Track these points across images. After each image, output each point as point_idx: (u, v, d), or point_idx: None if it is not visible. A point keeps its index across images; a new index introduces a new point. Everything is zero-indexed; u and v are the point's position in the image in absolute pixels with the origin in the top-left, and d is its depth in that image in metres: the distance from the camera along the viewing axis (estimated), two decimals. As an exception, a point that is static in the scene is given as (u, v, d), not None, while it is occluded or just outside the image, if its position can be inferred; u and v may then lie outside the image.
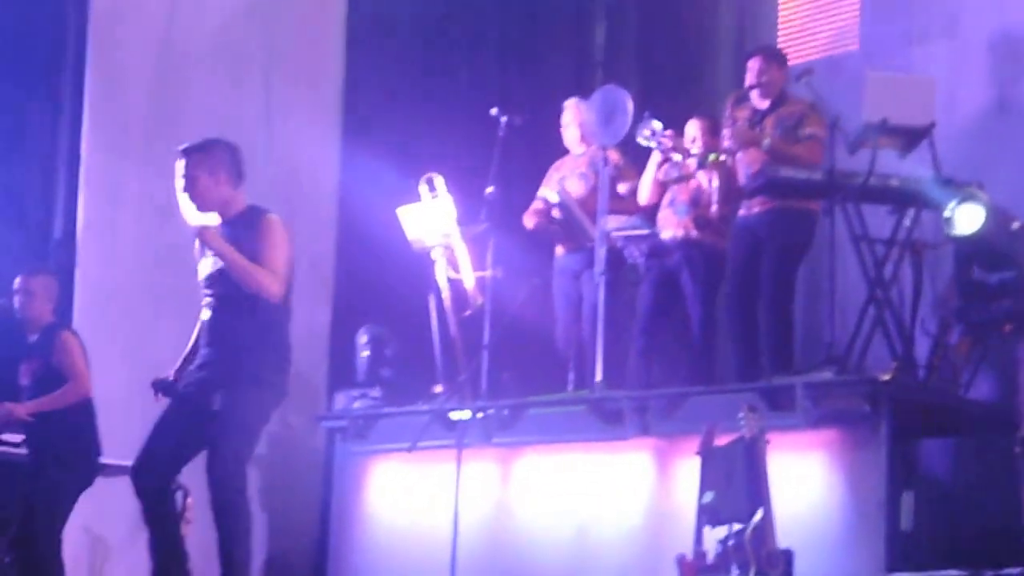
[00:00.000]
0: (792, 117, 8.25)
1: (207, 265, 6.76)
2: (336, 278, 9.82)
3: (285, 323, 6.78)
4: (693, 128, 8.68)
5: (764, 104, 8.39)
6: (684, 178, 8.66)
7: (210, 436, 6.58)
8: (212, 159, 6.73)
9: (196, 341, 6.86)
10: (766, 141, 8.16)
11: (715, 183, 8.29)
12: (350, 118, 9.79)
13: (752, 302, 8.32)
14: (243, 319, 6.64)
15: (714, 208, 8.31)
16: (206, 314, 6.75)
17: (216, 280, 6.69)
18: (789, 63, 8.66)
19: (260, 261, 6.55)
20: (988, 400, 8.02)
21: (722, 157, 8.26)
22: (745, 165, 8.30)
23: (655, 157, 8.66)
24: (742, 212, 8.32)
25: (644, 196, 8.76)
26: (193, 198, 6.74)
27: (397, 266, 9.14)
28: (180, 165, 6.75)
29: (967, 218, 7.65)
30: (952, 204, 7.68)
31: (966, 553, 7.23)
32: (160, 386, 6.82)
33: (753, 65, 8.41)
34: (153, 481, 6.70)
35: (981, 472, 7.36)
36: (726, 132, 8.30)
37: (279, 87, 9.65)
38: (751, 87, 8.39)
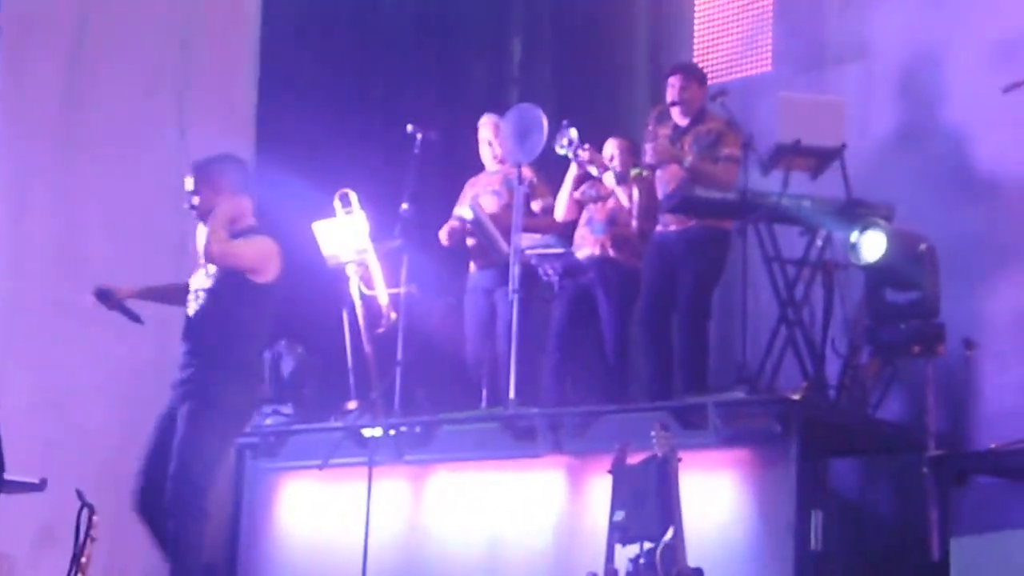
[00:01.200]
0: (710, 135, 8.30)
1: (200, 278, 6.97)
2: (249, 293, 9.71)
3: (255, 345, 6.96)
4: (611, 147, 8.71)
5: (684, 121, 8.43)
6: (601, 197, 8.68)
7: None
8: (216, 175, 6.80)
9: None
10: (687, 159, 8.20)
11: (635, 197, 8.30)
12: (264, 131, 9.70)
13: (666, 320, 8.36)
14: (217, 339, 6.81)
15: (634, 223, 8.33)
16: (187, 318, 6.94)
17: (202, 297, 6.91)
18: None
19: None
20: (897, 420, 8.11)
21: (644, 172, 8.28)
22: (664, 182, 8.34)
23: (572, 172, 8.69)
24: (659, 229, 8.36)
25: (560, 213, 8.78)
26: (199, 214, 6.90)
27: (311, 282, 9.06)
28: (188, 181, 6.94)
29: (870, 246, 7.74)
30: (855, 232, 7.77)
31: (874, 572, 7.30)
32: (101, 295, 6.96)
33: (674, 82, 8.45)
34: (159, 506, 6.76)
35: (889, 491, 7.45)
36: (648, 147, 8.33)
37: (192, 99, 9.55)
38: (672, 104, 8.42)
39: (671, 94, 8.45)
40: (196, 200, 6.93)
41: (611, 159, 8.65)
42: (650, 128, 8.40)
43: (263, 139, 9.73)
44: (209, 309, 6.87)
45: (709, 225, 8.21)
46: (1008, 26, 8.35)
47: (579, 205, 8.78)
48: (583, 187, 8.75)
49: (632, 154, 8.69)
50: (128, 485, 8.81)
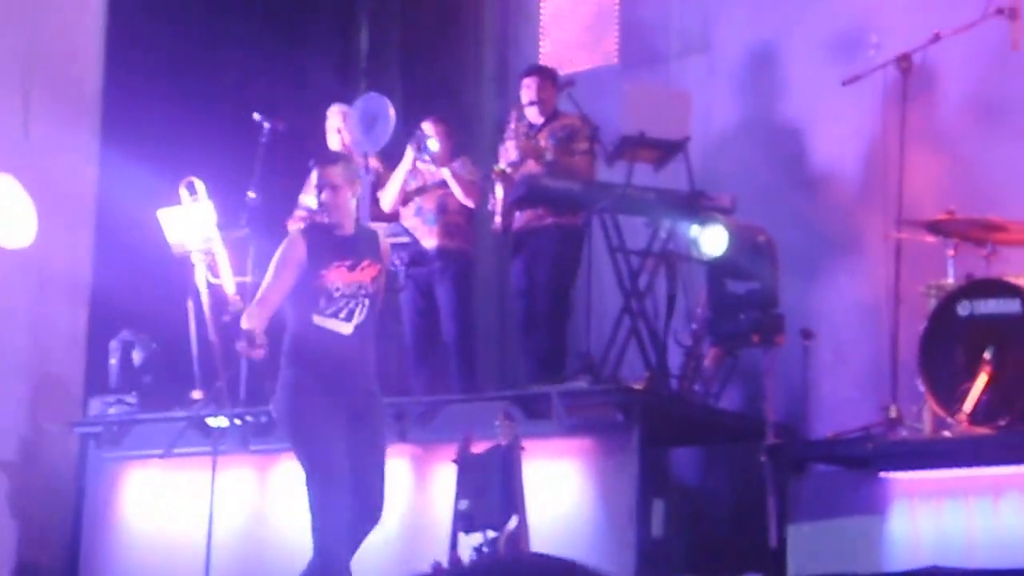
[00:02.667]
0: (565, 129, 8.35)
1: None
2: (94, 281, 9.62)
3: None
4: (428, 131, 8.70)
5: (540, 120, 8.48)
6: (426, 188, 8.71)
7: None
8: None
9: None
10: (548, 155, 8.24)
11: (499, 195, 8.33)
12: (109, 119, 9.58)
13: (535, 315, 8.40)
14: None
15: (497, 220, 8.33)
16: None
17: None
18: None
19: None
20: (737, 409, 8.23)
21: (507, 169, 8.32)
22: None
23: (404, 165, 8.68)
24: (517, 224, 8.38)
25: (388, 203, 8.78)
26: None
27: (156, 270, 8.99)
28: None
29: (711, 240, 7.86)
30: (696, 227, 7.88)
31: (713, 558, 7.39)
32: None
33: (530, 83, 8.52)
34: None
35: (729, 480, 7.53)
36: (510, 144, 8.37)
37: (36, 87, 9.41)
38: (530, 104, 8.47)
39: (528, 95, 8.51)
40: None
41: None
42: (512, 126, 8.44)
43: (109, 127, 9.62)
44: None
45: (564, 220, 8.26)
46: (845, 19, 8.50)
47: (404, 196, 8.78)
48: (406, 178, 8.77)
49: (450, 137, 8.73)
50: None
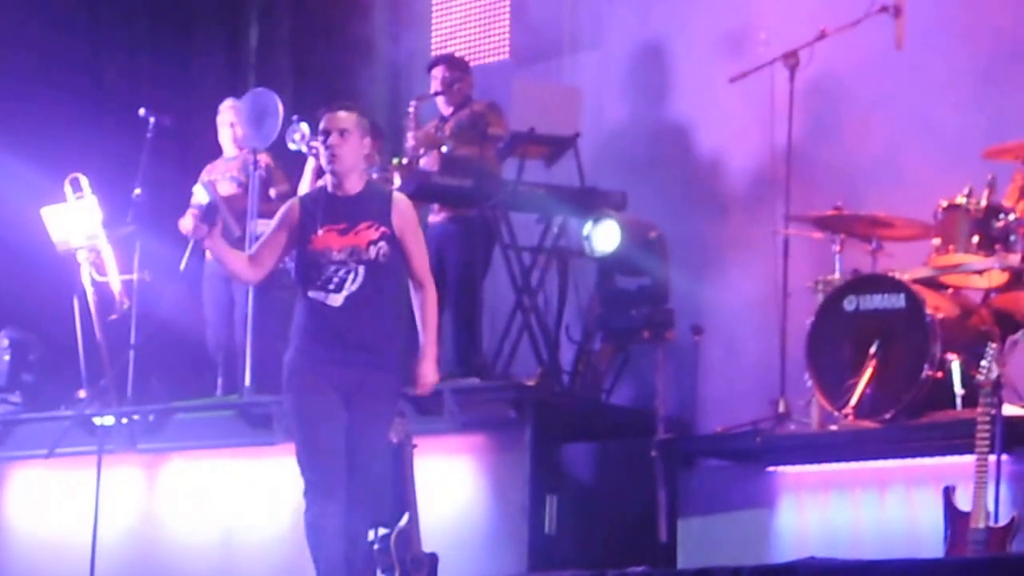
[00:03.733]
0: (470, 117, 8.27)
1: None
2: (-24, 281, 9.48)
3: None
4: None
5: (448, 110, 8.43)
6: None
7: None
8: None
9: None
10: (444, 146, 8.18)
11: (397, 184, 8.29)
12: (-10, 114, 9.47)
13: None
14: None
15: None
16: None
17: None
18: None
19: None
20: (628, 405, 8.26)
21: (404, 161, 8.27)
22: (428, 169, 8.31)
23: (310, 164, 8.62)
24: (430, 219, 8.32)
25: None
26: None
27: (40, 268, 8.88)
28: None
29: (604, 237, 7.88)
30: (588, 224, 7.89)
31: (605, 554, 7.42)
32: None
33: (438, 73, 8.46)
34: None
35: (621, 475, 7.58)
36: (409, 136, 8.30)
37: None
38: (437, 94, 8.41)
39: (436, 85, 8.44)
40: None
41: None
42: (412, 116, 8.37)
43: (-11, 122, 9.49)
44: None
45: (473, 215, 8.21)
46: (734, 17, 8.55)
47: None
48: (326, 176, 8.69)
49: (375, 137, 8.63)
50: None
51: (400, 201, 6.16)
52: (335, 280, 5.99)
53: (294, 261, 6.11)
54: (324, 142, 6.08)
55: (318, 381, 5.98)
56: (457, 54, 9.20)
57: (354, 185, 6.09)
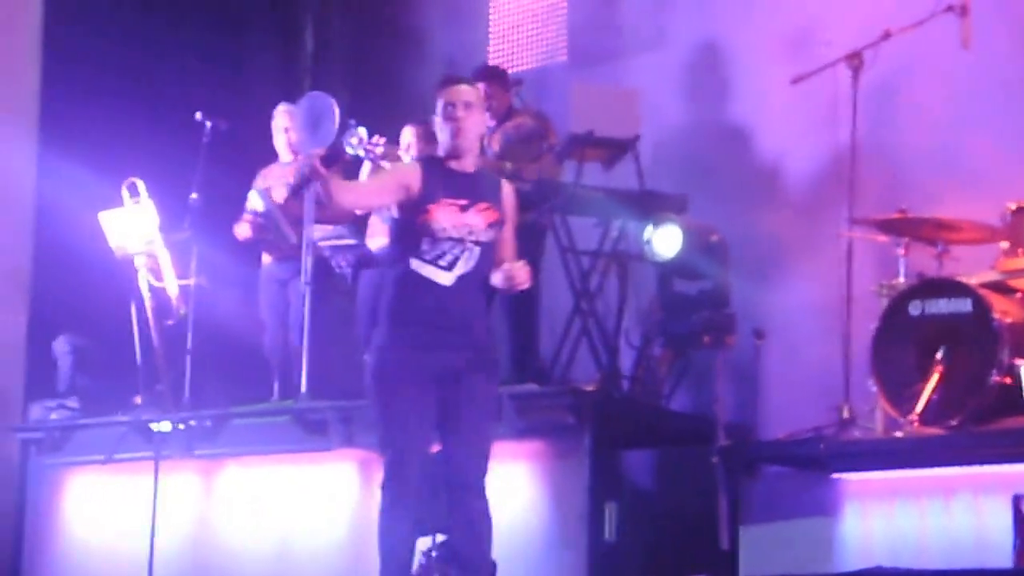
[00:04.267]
0: (517, 130, 8.22)
1: None
2: (33, 285, 9.50)
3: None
4: (408, 135, 8.63)
5: (491, 123, 8.38)
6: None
7: None
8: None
9: None
10: (507, 164, 8.13)
11: None
12: (47, 118, 9.47)
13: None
14: None
15: None
16: None
17: None
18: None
19: None
20: (688, 411, 8.18)
21: None
22: None
23: (366, 168, 8.58)
24: None
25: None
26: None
27: (98, 273, 8.88)
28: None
29: (665, 241, 7.79)
30: (649, 228, 7.81)
31: (666, 562, 7.34)
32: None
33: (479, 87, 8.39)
34: None
35: (681, 482, 7.49)
36: None
37: (-29, 89, 9.30)
38: None
39: None
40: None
41: (407, 148, 8.58)
42: None
43: (47, 127, 9.53)
44: None
45: (523, 219, 8.16)
46: (796, 17, 8.46)
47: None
48: None
49: (429, 140, 8.62)
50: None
51: (507, 187, 5.99)
52: (448, 257, 5.75)
53: (396, 227, 5.85)
54: (449, 115, 5.83)
55: (414, 370, 5.72)
56: (496, 65, 9.16)
57: (472, 162, 5.89)
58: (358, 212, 5.93)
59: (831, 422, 7.19)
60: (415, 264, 5.75)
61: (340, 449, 7.81)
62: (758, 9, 8.69)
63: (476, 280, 5.78)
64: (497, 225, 5.83)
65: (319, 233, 8.30)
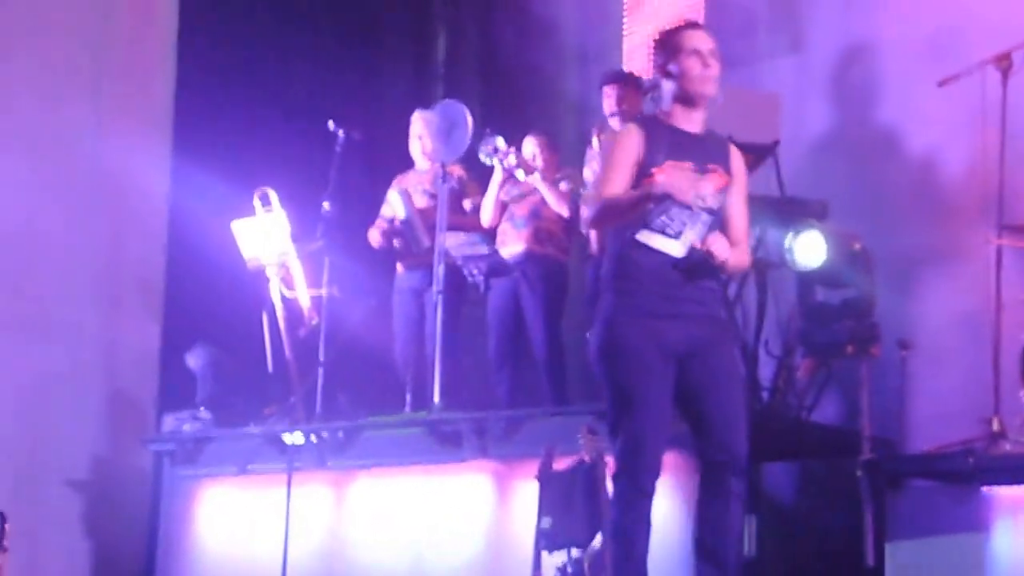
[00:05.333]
0: None
1: None
2: (166, 295, 9.55)
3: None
4: (531, 145, 8.59)
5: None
6: (524, 195, 8.54)
7: None
8: None
9: None
10: None
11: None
12: (181, 129, 9.53)
13: None
14: None
15: (594, 246, 8.15)
16: None
17: None
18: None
19: None
20: (831, 423, 8.01)
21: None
22: None
23: (497, 176, 8.52)
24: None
25: (487, 217, 8.63)
26: None
27: (230, 283, 8.89)
28: None
29: (807, 249, 7.60)
30: (791, 236, 7.63)
31: (808, 577, 7.20)
32: None
33: (611, 92, 8.34)
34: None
35: (824, 496, 7.34)
36: (596, 166, 8.18)
37: (107, 100, 9.37)
38: (612, 115, 8.28)
39: (608, 105, 8.33)
40: None
41: (532, 157, 8.51)
42: (595, 147, 8.27)
43: (180, 137, 9.59)
44: None
45: None
46: (942, 18, 8.26)
47: (504, 207, 8.63)
48: (506, 187, 8.61)
49: (553, 150, 8.59)
50: (41, 494, 8.68)
51: (735, 151, 5.58)
52: (675, 225, 5.31)
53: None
54: (703, 61, 5.41)
55: (650, 341, 5.32)
56: (630, 71, 9.04)
57: (701, 121, 5.47)
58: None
59: (980, 435, 6.97)
60: (642, 235, 5.33)
61: (474, 460, 7.74)
62: (901, 10, 8.51)
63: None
64: (725, 189, 5.36)
65: (452, 241, 8.24)
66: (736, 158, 5.54)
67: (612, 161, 5.44)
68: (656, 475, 5.41)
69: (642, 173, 5.34)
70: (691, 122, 5.47)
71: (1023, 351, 6.83)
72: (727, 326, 5.51)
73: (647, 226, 5.32)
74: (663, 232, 5.31)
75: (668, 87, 5.51)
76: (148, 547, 9.06)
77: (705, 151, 5.41)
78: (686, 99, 5.46)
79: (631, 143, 5.41)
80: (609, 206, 5.41)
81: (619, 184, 5.37)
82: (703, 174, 5.32)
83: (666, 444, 5.45)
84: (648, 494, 5.44)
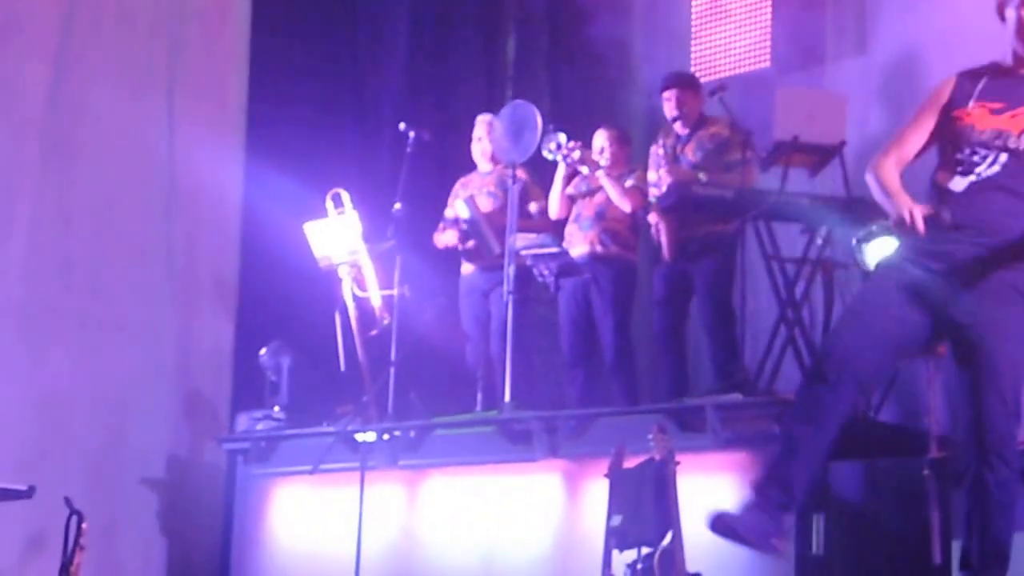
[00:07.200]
0: (713, 140, 8.18)
1: None
2: (240, 295, 9.64)
3: None
4: (601, 138, 8.62)
5: (684, 131, 8.32)
6: (591, 191, 8.58)
7: None
8: None
9: None
10: (701, 175, 8.07)
11: (660, 225, 8.20)
12: (254, 131, 9.61)
13: (681, 327, 8.26)
14: None
15: (666, 253, 8.19)
16: None
17: None
18: (702, 79, 8.60)
19: None
20: (898, 422, 7.99)
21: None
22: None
23: (562, 171, 8.56)
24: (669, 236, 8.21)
25: (554, 211, 8.68)
26: None
27: (302, 283, 8.97)
28: None
29: (877, 248, 7.59)
30: (861, 235, 7.63)
31: (876, 575, 7.18)
32: None
33: (670, 96, 8.35)
34: None
35: (891, 495, 7.32)
36: (663, 172, 8.21)
37: (181, 100, 9.46)
38: (674, 120, 8.32)
39: (669, 109, 8.35)
40: None
41: (601, 151, 8.55)
42: (661, 153, 8.30)
43: (254, 139, 9.66)
44: None
45: (715, 230, 8.09)
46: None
47: (571, 201, 8.67)
48: (574, 181, 8.65)
49: (623, 144, 8.63)
50: (118, 491, 8.78)
51: None
52: (966, 163, 5.15)
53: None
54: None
55: (900, 279, 5.13)
56: (687, 72, 9.07)
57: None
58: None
59: (1048, 433, 6.96)
60: (939, 177, 5.24)
61: (544, 459, 7.78)
62: (965, 12, 8.46)
63: (996, 184, 5.08)
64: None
65: (522, 242, 8.28)
66: None
67: (921, 113, 5.36)
68: (837, 365, 5.13)
69: (946, 116, 5.24)
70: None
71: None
72: (1011, 295, 5.12)
73: (947, 166, 5.24)
74: (952, 171, 5.21)
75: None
76: (222, 545, 9.12)
77: (1018, 93, 5.19)
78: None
79: (939, 96, 5.33)
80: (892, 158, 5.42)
81: (915, 133, 5.31)
82: (1012, 116, 5.14)
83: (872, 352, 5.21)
84: (823, 379, 5.18)
